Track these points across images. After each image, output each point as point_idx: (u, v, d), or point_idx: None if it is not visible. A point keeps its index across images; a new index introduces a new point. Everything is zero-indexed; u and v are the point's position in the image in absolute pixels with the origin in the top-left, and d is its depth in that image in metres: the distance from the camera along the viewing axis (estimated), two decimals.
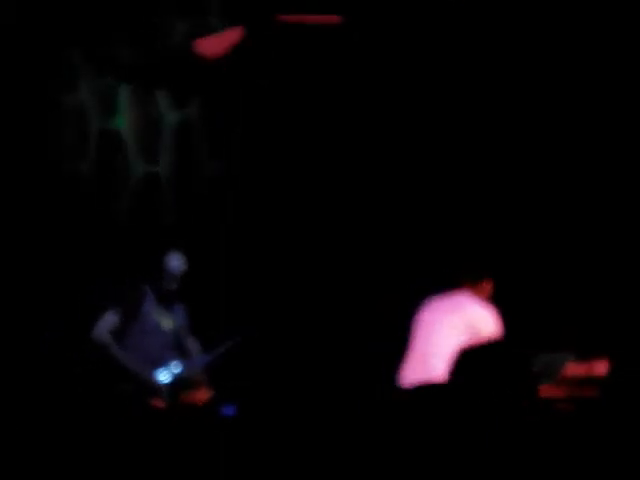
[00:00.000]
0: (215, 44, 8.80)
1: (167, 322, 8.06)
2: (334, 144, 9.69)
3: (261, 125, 9.81)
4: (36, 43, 8.84)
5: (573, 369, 7.41)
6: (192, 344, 8.21)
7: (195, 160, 9.74)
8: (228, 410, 7.89)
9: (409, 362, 7.46)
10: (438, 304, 7.73)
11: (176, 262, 8.04)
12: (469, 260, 8.14)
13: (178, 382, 7.95)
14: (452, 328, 7.47)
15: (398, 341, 7.82)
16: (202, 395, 7.83)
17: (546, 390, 7.20)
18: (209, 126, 9.76)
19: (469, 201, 9.24)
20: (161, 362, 7.99)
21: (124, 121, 9.46)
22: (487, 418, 4.32)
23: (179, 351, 8.21)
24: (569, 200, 8.92)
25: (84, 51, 8.89)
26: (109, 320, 7.78)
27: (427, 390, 7.26)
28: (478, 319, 7.59)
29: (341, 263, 9.63)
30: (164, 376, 7.91)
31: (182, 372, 8.00)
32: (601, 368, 7.33)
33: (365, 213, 9.58)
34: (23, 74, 8.63)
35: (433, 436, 5.30)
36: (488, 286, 7.84)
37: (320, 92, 9.54)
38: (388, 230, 9.50)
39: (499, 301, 7.87)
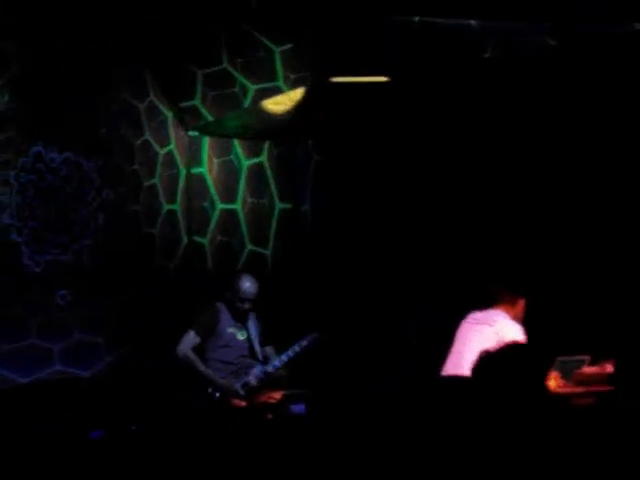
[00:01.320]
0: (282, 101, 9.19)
1: (242, 334, 8.39)
2: (388, 185, 9.77)
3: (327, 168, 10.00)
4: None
5: (588, 370, 7.76)
6: (267, 350, 8.43)
7: (267, 197, 9.91)
8: (298, 408, 8.11)
9: (449, 360, 7.76)
10: (477, 316, 7.99)
11: (248, 284, 8.35)
12: (506, 282, 8.23)
13: (258, 384, 8.28)
14: (484, 336, 7.77)
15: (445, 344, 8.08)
16: (275, 395, 8.18)
17: (565, 387, 7.54)
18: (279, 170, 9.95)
19: (510, 230, 9.36)
20: (241, 370, 8.33)
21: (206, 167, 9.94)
22: (499, 409, 4.41)
23: (255, 358, 8.40)
24: (589, 225, 9.08)
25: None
26: (190, 339, 8.25)
27: (452, 381, 7.52)
28: (507, 332, 7.77)
29: (401, 278, 9.65)
30: (253, 378, 8.24)
31: (263, 375, 8.30)
32: (611, 368, 7.54)
33: (418, 236, 9.68)
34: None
35: (451, 421, 5.62)
36: (521, 304, 8.03)
37: (369, 138, 9.66)
38: (441, 254, 9.59)
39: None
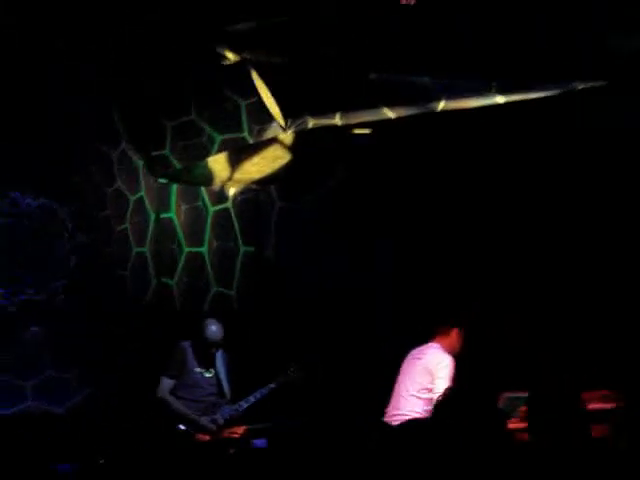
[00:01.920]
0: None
1: (209, 372, 8.45)
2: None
3: None
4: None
5: None
6: (229, 388, 8.55)
7: (232, 240, 9.82)
8: (260, 442, 7.89)
9: (391, 400, 7.98)
10: (414, 351, 8.21)
11: (214, 328, 8.41)
12: (440, 315, 8.50)
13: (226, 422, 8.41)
14: (415, 370, 8.08)
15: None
16: (238, 429, 8.27)
17: (512, 423, 8.15)
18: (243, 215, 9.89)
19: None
20: (208, 408, 8.43)
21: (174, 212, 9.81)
22: (462, 446, 4.40)
23: (223, 396, 8.50)
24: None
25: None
26: (164, 383, 8.36)
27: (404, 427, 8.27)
28: (432, 362, 8.03)
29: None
30: (221, 417, 8.31)
31: (229, 416, 8.39)
32: None
33: None
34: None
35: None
36: (454, 335, 8.22)
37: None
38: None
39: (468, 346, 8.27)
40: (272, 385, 8.51)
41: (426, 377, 8.04)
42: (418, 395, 7.91)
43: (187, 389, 8.47)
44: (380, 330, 9.68)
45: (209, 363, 8.48)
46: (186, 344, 8.51)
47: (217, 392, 8.56)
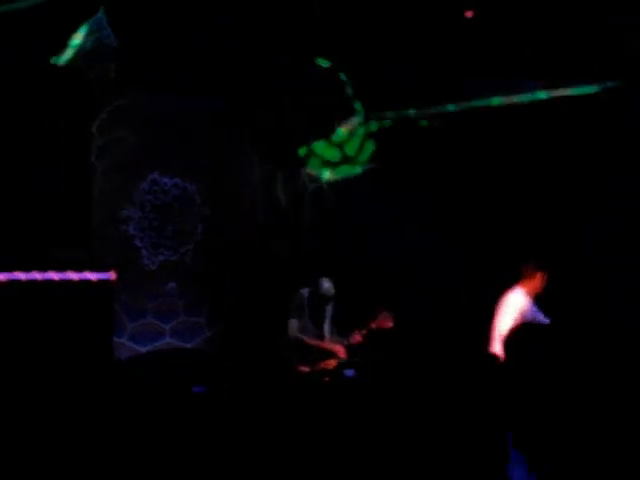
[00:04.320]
0: None
1: (318, 318, 8.50)
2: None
3: None
4: None
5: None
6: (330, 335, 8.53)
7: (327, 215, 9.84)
8: (349, 373, 8.22)
9: (490, 339, 7.80)
10: (505, 296, 8.00)
11: (326, 285, 8.42)
12: (521, 262, 8.14)
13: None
14: (506, 314, 7.88)
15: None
16: (332, 362, 8.30)
17: None
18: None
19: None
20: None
21: None
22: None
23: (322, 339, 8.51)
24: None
25: None
26: (293, 324, 8.40)
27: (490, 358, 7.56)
28: (512, 306, 7.85)
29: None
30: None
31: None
32: None
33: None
34: None
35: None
36: (538, 278, 7.99)
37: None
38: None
39: None
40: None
41: (515, 319, 7.78)
42: None
43: (300, 331, 8.47)
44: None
45: (320, 312, 8.53)
46: (305, 292, 8.54)
47: (318, 335, 8.54)
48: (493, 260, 9.13)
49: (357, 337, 8.35)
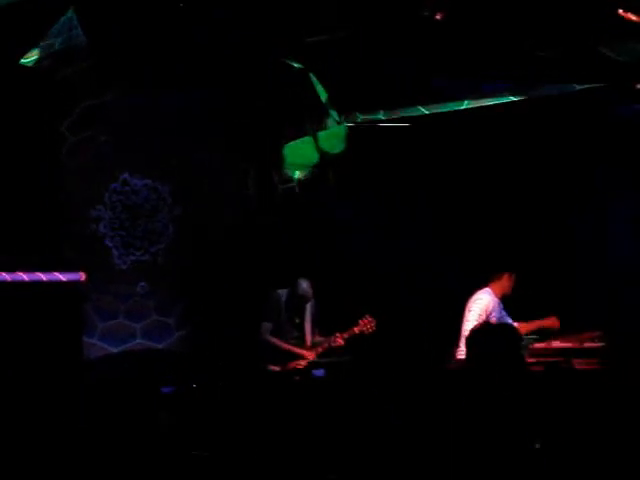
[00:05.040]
0: None
1: (297, 319, 8.56)
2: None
3: None
4: None
5: (538, 345, 7.94)
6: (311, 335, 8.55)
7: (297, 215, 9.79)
8: (319, 372, 8.31)
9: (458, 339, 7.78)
10: (473, 296, 8.04)
11: (304, 285, 8.46)
12: (490, 262, 8.28)
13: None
14: (469, 311, 7.94)
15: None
16: (302, 362, 8.38)
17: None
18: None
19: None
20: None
21: None
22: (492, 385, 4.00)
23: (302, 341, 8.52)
24: None
25: None
26: (266, 327, 8.45)
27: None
28: (472, 301, 7.93)
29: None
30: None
31: None
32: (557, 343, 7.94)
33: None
34: None
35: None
36: (506, 279, 8.06)
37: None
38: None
39: None
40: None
41: (478, 320, 7.78)
42: None
43: (276, 332, 8.53)
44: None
45: (299, 312, 8.54)
46: (282, 293, 8.55)
47: (298, 337, 8.57)
48: (470, 260, 9.12)
49: (339, 340, 8.37)
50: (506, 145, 9.30)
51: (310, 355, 8.34)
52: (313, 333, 8.59)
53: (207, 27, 8.14)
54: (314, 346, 8.48)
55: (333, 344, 8.38)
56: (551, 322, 8.05)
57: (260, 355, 8.48)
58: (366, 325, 8.42)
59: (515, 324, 7.67)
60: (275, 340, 8.41)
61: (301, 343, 8.53)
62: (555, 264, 9.34)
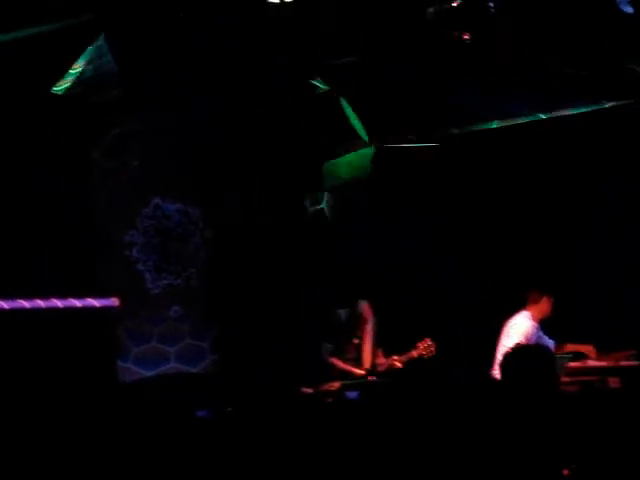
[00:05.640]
0: None
1: (356, 339, 8.48)
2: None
3: None
4: None
5: (573, 364, 7.94)
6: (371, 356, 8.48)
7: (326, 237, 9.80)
8: (353, 395, 8.13)
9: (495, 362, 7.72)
10: (510, 319, 8.06)
11: (363, 306, 8.46)
12: (527, 287, 8.18)
13: None
14: (508, 336, 7.91)
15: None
16: (335, 384, 8.28)
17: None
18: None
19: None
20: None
21: None
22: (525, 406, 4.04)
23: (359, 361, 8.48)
24: None
25: None
26: (326, 347, 8.50)
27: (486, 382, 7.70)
28: (514, 329, 7.90)
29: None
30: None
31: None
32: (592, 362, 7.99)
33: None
34: None
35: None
36: (545, 302, 8.03)
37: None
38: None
39: None
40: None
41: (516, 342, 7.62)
42: None
43: (335, 353, 8.52)
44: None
45: (358, 333, 8.49)
46: (342, 312, 8.58)
47: (356, 358, 8.51)
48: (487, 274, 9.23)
49: (396, 363, 8.35)
50: (523, 161, 9.31)
51: (360, 373, 8.30)
52: (374, 354, 8.50)
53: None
54: (374, 368, 8.40)
55: (392, 366, 8.34)
56: (587, 349, 8.04)
57: (320, 376, 8.44)
58: (425, 349, 8.34)
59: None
60: (335, 360, 8.40)
61: (359, 364, 8.45)
62: (584, 283, 9.30)
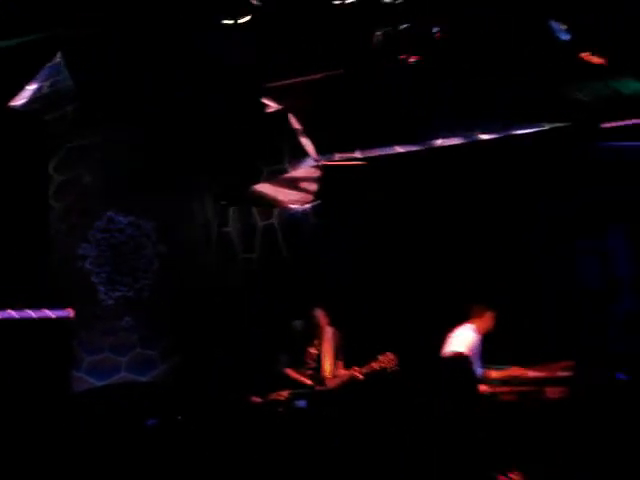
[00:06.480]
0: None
1: (314, 350, 8.47)
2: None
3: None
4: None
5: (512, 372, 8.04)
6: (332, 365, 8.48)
7: (276, 250, 10.02)
8: (301, 403, 8.19)
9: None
10: (454, 330, 8.11)
11: (318, 315, 8.45)
12: (475, 298, 8.27)
13: None
14: (451, 345, 7.94)
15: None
16: (284, 393, 8.23)
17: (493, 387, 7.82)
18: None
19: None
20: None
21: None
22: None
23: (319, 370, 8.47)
24: None
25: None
26: (282, 358, 8.44)
27: None
28: (469, 340, 7.97)
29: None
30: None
31: None
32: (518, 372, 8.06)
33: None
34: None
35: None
36: (487, 318, 8.12)
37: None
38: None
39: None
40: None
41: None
42: None
43: (293, 363, 8.52)
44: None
45: (315, 343, 8.51)
46: (298, 323, 8.64)
47: (315, 367, 8.50)
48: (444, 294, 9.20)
49: (357, 374, 8.35)
50: (476, 179, 9.46)
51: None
52: (335, 364, 8.53)
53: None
54: (334, 378, 8.43)
55: (353, 378, 8.32)
56: (519, 372, 8.11)
57: (254, 385, 8.47)
58: (386, 362, 8.36)
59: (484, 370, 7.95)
60: (289, 371, 8.42)
61: (318, 373, 8.49)
62: (524, 298, 9.43)
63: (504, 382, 7.95)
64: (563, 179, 9.19)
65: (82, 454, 7.36)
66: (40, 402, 7.79)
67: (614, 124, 8.47)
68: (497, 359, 8.17)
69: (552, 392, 7.75)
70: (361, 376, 8.31)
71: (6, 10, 7.34)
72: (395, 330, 9.25)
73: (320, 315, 8.48)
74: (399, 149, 8.89)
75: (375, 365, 8.30)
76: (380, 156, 9.07)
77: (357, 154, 9.07)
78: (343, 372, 8.47)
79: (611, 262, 9.29)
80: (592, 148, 8.79)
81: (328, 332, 8.52)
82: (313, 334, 8.49)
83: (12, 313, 7.79)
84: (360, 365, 8.34)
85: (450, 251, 9.62)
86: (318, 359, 8.49)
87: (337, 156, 9.14)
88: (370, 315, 9.53)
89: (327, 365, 8.48)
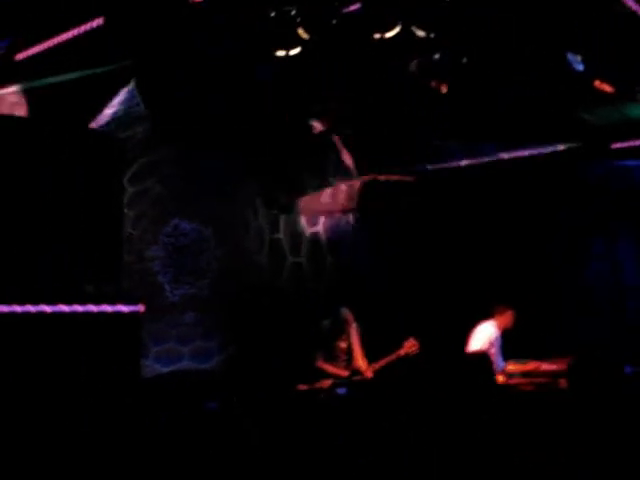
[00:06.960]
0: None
1: (343, 344, 8.78)
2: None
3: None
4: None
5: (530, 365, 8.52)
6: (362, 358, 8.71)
7: (321, 256, 10.53)
8: (342, 391, 8.55)
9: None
10: (477, 325, 8.58)
11: (344, 311, 8.78)
12: (495, 301, 8.71)
13: None
14: (475, 340, 8.48)
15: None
16: (326, 382, 8.63)
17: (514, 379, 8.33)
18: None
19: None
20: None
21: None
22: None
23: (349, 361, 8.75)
24: None
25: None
26: (318, 355, 8.67)
27: None
28: (490, 335, 8.47)
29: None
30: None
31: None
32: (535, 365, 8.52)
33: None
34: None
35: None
36: (508, 316, 8.60)
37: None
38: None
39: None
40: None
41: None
42: None
43: (329, 359, 8.81)
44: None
45: (344, 337, 8.78)
46: (326, 322, 8.85)
47: (347, 359, 8.78)
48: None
49: (382, 364, 8.56)
50: (501, 194, 9.98)
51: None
52: (362, 358, 8.75)
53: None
54: (367, 367, 8.65)
55: (379, 368, 8.54)
56: (535, 365, 8.55)
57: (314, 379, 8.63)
58: (411, 347, 8.50)
59: (506, 363, 8.32)
60: (324, 365, 8.64)
61: (350, 365, 8.74)
62: (542, 297, 9.97)
63: (523, 374, 8.46)
64: (579, 193, 9.69)
65: (151, 432, 7.67)
66: (115, 385, 8.11)
67: (623, 145, 8.99)
68: (517, 353, 8.63)
69: (564, 383, 8.03)
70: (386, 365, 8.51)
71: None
72: (425, 327, 9.51)
73: (346, 313, 8.78)
74: (429, 167, 9.53)
75: (401, 351, 8.55)
76: (415, 172, 9.69)
77: (395, 169, 9.71)
78: (367, 364, 8.72)
79: (621, 267, 9.75)
80: (602, 166, 9.32)
81: (354, 328, 8.80)
82: (341, 330, 8.75)
83: (91, 307, 8.11)
84: (386, 355, 8.61)
85: (478, 257, 10.06)
86: (348, 352, 8.74)
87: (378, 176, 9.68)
88: (402, 314, 9.93)
89: (359, 357, 8.77)
